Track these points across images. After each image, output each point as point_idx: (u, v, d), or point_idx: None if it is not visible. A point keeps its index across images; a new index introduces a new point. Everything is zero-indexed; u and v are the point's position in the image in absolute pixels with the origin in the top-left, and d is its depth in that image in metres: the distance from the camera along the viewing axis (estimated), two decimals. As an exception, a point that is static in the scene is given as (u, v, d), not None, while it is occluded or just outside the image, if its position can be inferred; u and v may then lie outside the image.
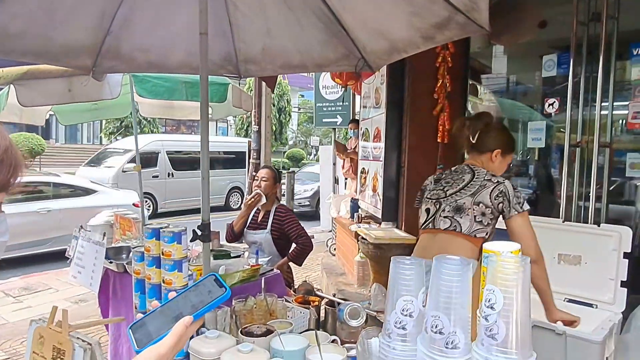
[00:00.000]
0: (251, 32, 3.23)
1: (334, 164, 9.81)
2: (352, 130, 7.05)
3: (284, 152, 26.96)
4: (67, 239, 7.85)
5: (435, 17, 2.35)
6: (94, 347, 1.76)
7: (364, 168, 5.91)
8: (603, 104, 3.48)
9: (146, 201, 12.66)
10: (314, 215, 13.22)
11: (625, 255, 2.58)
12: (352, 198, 6.16)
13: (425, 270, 1.22)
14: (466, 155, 2.67)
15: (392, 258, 1.25)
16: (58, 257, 7.63)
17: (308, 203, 14.06)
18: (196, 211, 13.09)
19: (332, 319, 2.18)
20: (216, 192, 14.25)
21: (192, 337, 1.62)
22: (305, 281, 3.05)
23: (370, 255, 4.46)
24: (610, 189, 3.61)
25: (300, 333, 1.86)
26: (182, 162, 14.28)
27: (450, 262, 1.10)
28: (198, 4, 2.49)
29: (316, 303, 2.36)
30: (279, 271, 3.41)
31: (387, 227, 4.74)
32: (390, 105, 4.86)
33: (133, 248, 2.67)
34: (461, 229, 2.33)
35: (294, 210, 8.62)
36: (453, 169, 2.58)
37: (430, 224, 2.48)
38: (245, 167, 15.54)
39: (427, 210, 2.52)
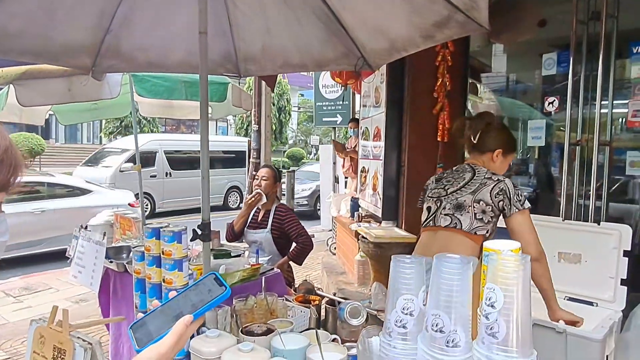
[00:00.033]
0: (251, 31, 3.23)
1: (334, 163, 9.80)
2: (352, 129, 7.05)
3: (284, 152, 26.97)
4: (62, 239, 7.92)
5: (435, 16, 2.35)
6: (95, 347, 1.76)
7: (364, 167, 5.91)
8: (603, 102, 3.48)
9: (144, 201, 12.64)
10: (312, 215, 13.18)
11: (625, 253, 2.59)
12: (352, 197, 6.17)
13: (426, 269, 1.22)
14: (467, 155, 2.68)
15: (392, 257, 1.25)
16: (58, 257, 7.64)
17: (306, 202, 13.95)
18: (194, 211, 13.11)
19: (333, 318, 2.18)
20: (214, 192, 14.21)
21: (192, 337, 1.63)
22: (306, 280, 3.05)
23: (371, 254, 4.47)
24: (611, 187, 3.61)
25: (301, 332, 1.86)
26: (180, 161, 14.20)
27: (451, 261, 1.10)
28: (197, 3, 2.49)
29: (317, 302, 2.36)
30: (279, 270, 3.41)
31: (388, 226, 4.74)
32: (390, 104, 4.86)
33: (133, 247, 2.67)
34: (461, 226, 2.34)
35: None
36: (454, 168, 2.59)
37: (431, 222, 2.49)
38: (244, 167, 15.48)
39: (429, 209, 2.53)
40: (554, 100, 3.91)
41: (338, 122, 9.94)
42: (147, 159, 12.96)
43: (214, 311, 2.00)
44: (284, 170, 10.35)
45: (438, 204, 2.47)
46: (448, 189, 2.48)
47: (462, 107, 4.68)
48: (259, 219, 3.93)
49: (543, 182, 4.57)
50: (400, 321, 1.20)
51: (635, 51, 3.52)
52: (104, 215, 4.24)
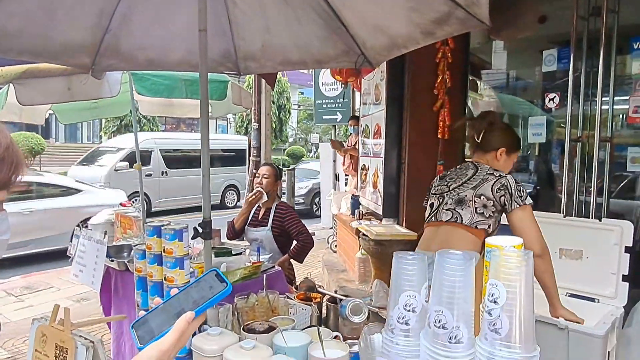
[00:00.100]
0: (250, 29, 3.23)
1: (334, 161, 9.80)
2: (352, 127, 7.04)
3: (284, 150, 26.96)
4: (51, 240, 7.89)
5: (435, 13, 2.35)
6: (97, 345, 1.76)
7: (364, 164, 5.90)
8: (603, 98, 3.48)
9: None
10: (308, 214, 13.08)
11: (627, 249, 2.59)
12: (352, 195, 6.16)
13: (428, 262, 1.22)
14: (467, 153, 2.69)
15: (394, 253, 1.25)
16: (59, 256, 7.65)
17: (302, 201, 13.73)
18: (191, 210, 13.05)
19: (334, 316, 2.18)
20: (211, 190, 14.06)
21: (194, 335, 1.62)
22: (307, 278, 3.06)
23: (372, 252, 4.46)
24: (611, 183, 3.61)
25: (303, 329, 1.86)
26: (176, 160, 14.04)
27: (453, 257, 1.10)
28: (197, 2, 2.49)
29: (318, 300, 2.36)
30: (280, 268, 3.41)
31: (388, 224, 4.73)
32: (390, 101, 4.85)
33: (134, 246, 2.67)
34: (462, 221, 2.36)
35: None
36: (458, 166, 2.62)
37: (433, 218, 2.52)
38: (241, 165, 15.43)
39: (431, 205, 2.57)
40: (555, 96, 3.91)
41: (338, 120, 9.93)
42: (142, 157, 12.73)
43: (215, 309, 2.00)
44: (284, 169, 10.34)
45: (440, 200, 2.51)
46: (450, 185, 2.51)
47: (463, 104, 4.67)
48: (260, 217, 3.93)
49: (544, 178, 4.57)
50: (403, 318, 1.20)
51: (636, 47, 3.51)
52: (105, 214, 4.24)
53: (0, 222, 1.16)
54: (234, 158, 15.59)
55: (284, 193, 9.76)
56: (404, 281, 1.21)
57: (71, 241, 8.02)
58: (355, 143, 6.67)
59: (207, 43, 2.52)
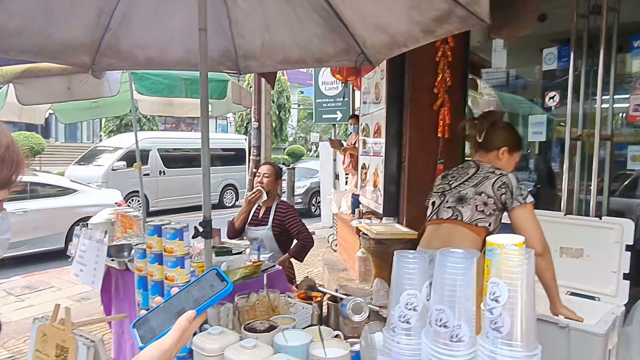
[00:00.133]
0: (250, 28, 3.22)
1: (334, 160, 9.80)
2: (352, 126, 7.04)
3: (284, 149, 26.94)
4: (45, 240, 7.83)
5: (435, 11, 2.35)
6: (98, 345, 1.76)
7: (364, 163, 5.90)
8: (604, 97, 3.48)
9: (137, 200, 12.44)
10: (306, 213, 13.03)
11: (628, 247, 2.58)
12: (352, 194, 6.16)
13: (429, 259, 1.22)
14: (467, 152, 2.69)
15: (395, 252, 1.25)
16: (58, 256, 7.61)
17: (300, 200, 13.58)
18: (189, 209, 13.01)
19: (335, 315, 2.18)
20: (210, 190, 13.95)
21: (195, 334, 1.62)
22: (307, 277, 3.06)
23: (372, 251, 4.46)
24: (612, 182, 3.61)
25: (303, 329, 1.86)
26: (174, 159, 13.91)
27: (455, 256, 1.10)
28: (197, 1, 2.48)
29: (318, 299, 2.37)
30: (280, 267, 3.41)
31: (388, 223, 4.73)
32: (391, 100, 4.85)
33: (135, 245, 2.67)
34: (462, 218, 2.37)
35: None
36: (460, 165, 2.63)
37: (434, 216, 2.53)
38: (239, 164, 15.36)
39: (433, 203, 2.58)
40: (555, 95, 3.90)
41: (338, 119, 9.93)
42: (140, 157, 12.81)
43: (216, 308, 2.00)
44: (284, 167, 10.33)
45: (442, 198, 2.52)
46: (452, 183, 2.52)
47: (463, 103, 4.67)
48: (260, 216, 3.93)
49: (544, 177, 4.57)
50: (404, 316, 1.20)
51: (636, 45, 3.51)
52: (105, 213, 4.24)
53: (1, 221, 1.16)
54: (232, 157, 15.48)
55: (284, 192, 9.76)
56: (405, 280, 1.21)
57: (66, 241, 8.03)
58: (355, 142, 6.66)
59: (207, 42, 2.52)
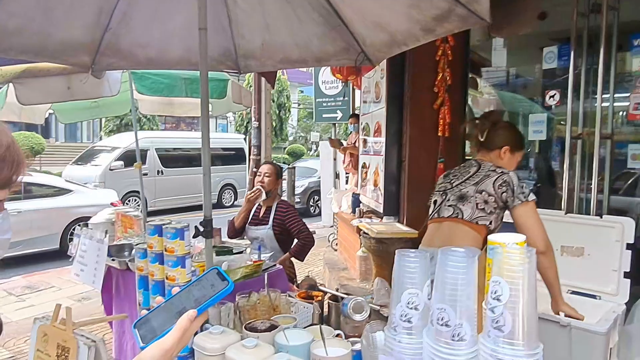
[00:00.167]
0: (250, 27, 3.22)
1: (335, 159, 9.79)
2: (352, 125, 7.04)
3: (284, 148, 26.94)
4: (40, 241, 7.76)
5: (435, 9, 2.35)
6: (99, 344, 1.76)
7: (364, 163, 5.90)
8: (604, 95, 3.47)
9: (135, 200, 12.43)
10: (304, 213, 12.91)
11: (628, 246, 2.58)
12: (353, 193, 6.16)
13: (430, 257, 1.22)
14: (468, 150, 2.70)
15: (396, 251, 1.24)
16: (55, 257, 7.63)
17: (299, 200, 13.37)
18: (187, 209, 12.94)
19: (336, 314, 2.18)
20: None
21: (196, 333, 1.62)
22: (308, 276, 3.06)
23: (373, 250, 4.47)
24: (612, 180, 3.61)
25: (305, 328, 1.86)
26: (172, 159, 13.80)
27: (456, 254, 1.10)
28: (197, 0, 2.48)
29: (319, 298, 2.36)
30: (281, 267, 3.41)
31: (389, 222, 4.73)
32: (391, 99, 4.85)
33: (135, 245, 2.67)
34: (463, 216, 2.38)
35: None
36: (462, 164, 2.64)
37: (435, 214, 2.55)
38: (238, 164, 15.28)
39: (435, 202, 2.60)
40: (555, 94, 3.90)
41: (338, 119, 9.93)
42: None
43: (217, 308, 2.00)
44: (285, 166, 10.30)
45: (443, 197, 2.53)
46: (453, 182, 2.53)
47: (463, 102, 4.67)
48: (261, 215, 3.93)
49: (544, 176, 4.57)
50: (405, 315, 1.20)
51: (636, 44, 3.50)
52: (106, 213, 4.24)
53: (2, 221, 1.16)
54: (231, 157, 15.37)
55: (284, 191, 9.76)
56: (406, 279, 1.21)
57: (61, 242, 7.95)
58: (355, 141, 6.66)
59: (207, 41, 2.52)
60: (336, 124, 10.92)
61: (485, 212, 2.35)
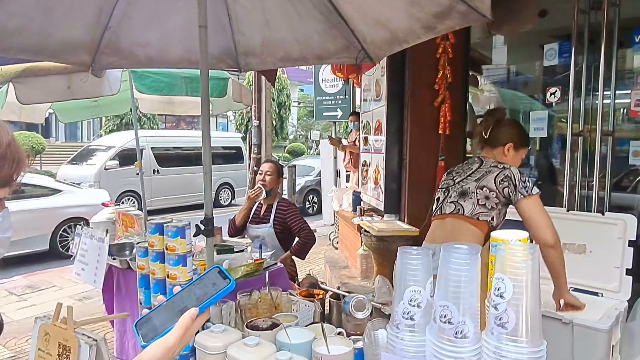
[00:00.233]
0: (250, 25, 3.22)
1: (335, 157, 9.79)
2: (352, 123, 7.03)
3: (285, 147, 26.94)
4: (28, 242, 7.61)
5: (436, 6, 2.34)
6: (100, 343, 1.75)
7: (365, 161, 5.89)
8: (605, 92, 3.46)
9: (130, 199, 12.39)
10: (301, 212, 12.88)
11: (630, 243, 2.58)
12: (354, 191, 6.15)
13: (432, 253, 1.22)
14: (471, 150, 2.70)
15: (399, 248, 1.24)
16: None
17: (295, 199, 13.54)
18: (184, 209, 12.84)
19: (338, 312, 2.18)
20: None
21: (197, 332, 1.62)
22: (309, 274, 3.05)
23: (373, 248, 4.46)
24: (614, 177, 3.60)
25: (306, 326, 1.86)
26: (168, 158, 13.65)
27: (459, 251, 1.09)
28: (197, -2, 2.48)
29: (320, 296, 2.36)
30: (282, 265, 3.41)
31: (390, 220, 4.73)
32: (391, 97, 4.84)
33: (136, 244, 2.67)
34: (464, 212, 2.39)
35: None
36: (465, 162, 2.65)
37: (438, 211, 2.56)
38: (235, 162, 15.22)
39: (438, 199, 2.61)
40: (556, 91, 3.89)
41: (338, 117, 9.93)
42: (132, 156, 12.15)
43: (218, 306, 1.99)
44: (287, 164, 10.27)
45: (446, 194, 2.55)
46: (456, 179, 2.55)
47: (463, 99, 4.65)
48: (261, 214, 3.93)
49: (545, 173, 4.57)
50: (408, 313, 1.19)
51: (637, 40, 3.50)
52: (106, 212, 4.24)
53: (2, 219, 1.15)
54: (228, 156, 15.21)
55: (284, 190, 9.75)
56: (408, 276, 1.20)
57: (51, 243, 7.85)
58: (356, 139, 6.65)
59: (207, 39, 2.51)
60: (336, 122, 10.92)
61: (486, 207, 2.36)
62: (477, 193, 2.38)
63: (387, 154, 4.87)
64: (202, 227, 2.50)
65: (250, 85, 11.88)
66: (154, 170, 13.21)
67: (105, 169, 12.27)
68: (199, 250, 3.12)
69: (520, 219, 2.34)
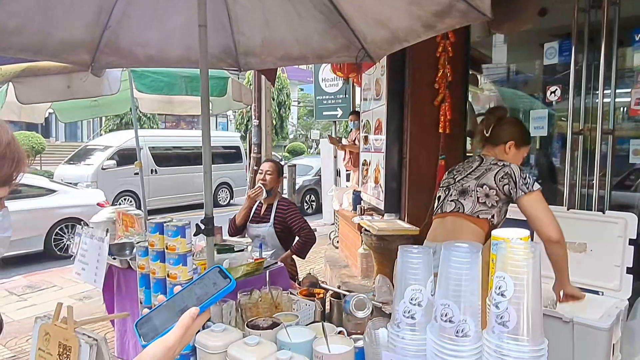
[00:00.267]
0: (250, 24, 3.21)
1: (335, 156, 9.79)
2: (352, 122, 7.03)
3: (285, 147, 26.94)
4: (22, 243, 7.52)
5: (436, 5, 2.33)
6: (100, 343, 1.75)
7: (365, 160, 5.89)
8: (605, 91, 3.47)
9: (128, 199, 12.34)
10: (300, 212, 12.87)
11: (631, 241, 2.57)
12: (354, 190, 6.15)
13: (433, 251, 1.21)
14: (471, 149, 2.70)
15: (399, 247, 1.24)
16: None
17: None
18: (181, 209, 12.77)
19: (338, 311, 2.17)
20: (202, 188, 13.16)
21: (198, 331, 1.62)
22: (310, 274, 3.05)
23: (374, 247, 4.46)
24: (614, 176, 3.60)
25: (307, 325, 1.85)
26: (166, 158, 13.53)
27: (459, 250, 1.09)
28: (196, -3, 2.47)
29: (321, 295, 2.36)
30: (283, 264, 3.41)
31: (390, 219, 4.73)
32: (391, 96, 4.84)
33: (136, 243, 2.67)
34: (464, 210, 2.40)
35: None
36: (466, 160, 2.65)
37: (439, 210, 2.57)
38: (234, 162, 15.16)
39: (438, 198, 2.62)
40: (556, 89, 3.89)
41: (338, 116, 9.92)
42: (130, 155, 12.00)
43: (219, 306, 1.99)
44: (286, 164, 10.24)
45: (446, 192, 2.55)
46: (456, 177, 2.55)
47: (463, 98, 4.65)
48: (262, 213, 3.93)
49: (545, 172, 4.56)
50: (409, 312, 1.19)
51: (637, 39, 3.50)
52: (106, 212, 4.24)
53: (2, 218, 1.15)
54: (226, 155, 15.09)
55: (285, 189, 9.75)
56: (409, 275, 1.20)
57: (45, 243, 7.77)
58: (356, 138, 6.65)
59: (207, 38, 2.51)
60: (336, 122, 10.91)
61: (487, 205, 2.35)
62: (477, 191, 2.38)
63: (387, 153, 4.87)
64: (203, 227, 2.50)
65: (250, 84, 11.86)
66: (151, 170, 13.09)
67: (103, 169, 12.18)
68: (199, 250, 3.12)
69: (521, 218, 2.34)
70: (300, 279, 3.48)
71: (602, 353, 2.12)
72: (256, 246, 3.52)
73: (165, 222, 2.17)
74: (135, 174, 12.15)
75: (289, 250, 3.83)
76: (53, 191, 8.29)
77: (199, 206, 2.60)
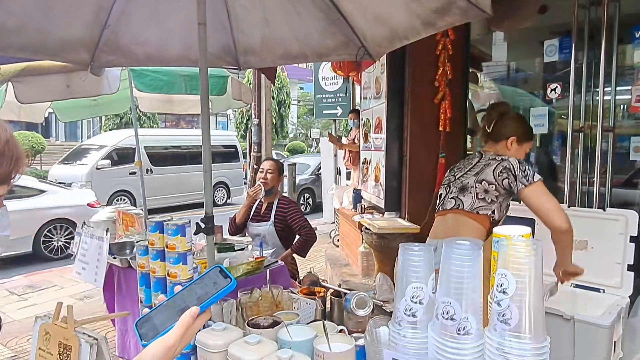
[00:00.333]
0: (250, 23, 3.21)
1: (335, 155, 9.78)
2: (352, 121, 7.03)
3: (285, 145, 26.93)
4: (11, 244, 7.27)
5: (436, 2, 2.33)
6: (101, 342, 1.75)
7: (365, 158, 5.89)
8: (605, 88, 3.46)
9: (123, 199, 12.27)
10: (300, 211, 12.79)
11: (632, 239, 2.57)
12: (354, 189, 6.15)
13: (433, 248, 1.21)
14: (470, 147, 2.70)
15: (400, 245, 1.24)
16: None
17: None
18: (178, 208, 12.70)
19: (339, 310, 2.17)
20: (199, 188, 12.89)
21: (198, 331, 1.62)
22: (310, 272, 3.05)
23: (374, 246, 4.46)
24: (614, 173, 3.59)
25: (307, 324, 1.85)
26: (162, 157, 13.43)
27: (461, 247, 1.09)
28: (196, -5, 2.46)
29: (322, 294, 2.36)
30: (283, 263, 3.41)
31: (391, 217, 4.72)
32: (391, 94, 4.83)
33: (137, 242, 2.66)
34: (464, 207, 2.39)
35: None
36: (467, 157, 2.65)
37: (440, 207, 2.57)
38: (231, 161, 15.11)
39: (440, 196, 2.62)
40: (556, 87, 3.88)
41: (338, 115, 9.90)
42: (125, 155, 12.31)
43: (219, 305, 1.99)
44: (288, 160, 10.22)
45: (447, 190, 2.55)
46: (457, 174, 2.55)
47: (463, 96, 4.65)
48: (262, 212, 3.93)
49: (546, 169, 4.56)
50: (410, 310, 1.19)
51: (637, 36, 3.49)
52: (106, 211, 4.24)
53: (1, 217, 1.15)
54: (224, 154, 14.97)
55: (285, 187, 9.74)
56: (410, 273, 1.20)
57: (34, 244, 7.68)
58: (355, 137, 6.64)
59: (206, 37, 2.50)
60: (336, 120, 10.89)
61: (486, 201, 2.35)
62: (476, 187, 2.38)
63: (388, 151, 4.87)
64: (203, 225, 2.50)
65: (250, 83, 11.86)
66: (147, 170, 12.86)
67: (97, 169, 12.07)
68: (200, 249, 3.12)
69: (522, 215, 2.33)
70: (300, 278, 3.48)
71: (603, 350, 2.11)
72: (256, 245, 3.52)
73: (165, 221, 2.17)
74: (131, 173, 12.24)
75: (290, 249, 3.82)
76: (42, 191, 8.15)
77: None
